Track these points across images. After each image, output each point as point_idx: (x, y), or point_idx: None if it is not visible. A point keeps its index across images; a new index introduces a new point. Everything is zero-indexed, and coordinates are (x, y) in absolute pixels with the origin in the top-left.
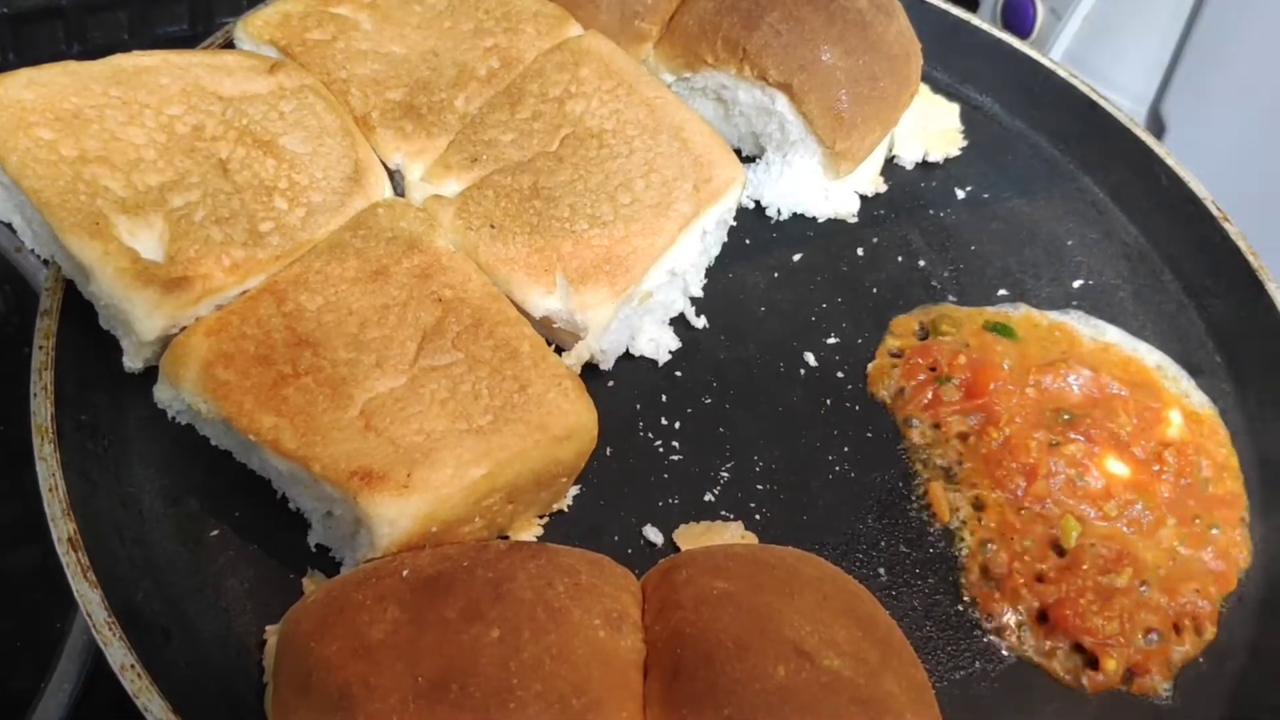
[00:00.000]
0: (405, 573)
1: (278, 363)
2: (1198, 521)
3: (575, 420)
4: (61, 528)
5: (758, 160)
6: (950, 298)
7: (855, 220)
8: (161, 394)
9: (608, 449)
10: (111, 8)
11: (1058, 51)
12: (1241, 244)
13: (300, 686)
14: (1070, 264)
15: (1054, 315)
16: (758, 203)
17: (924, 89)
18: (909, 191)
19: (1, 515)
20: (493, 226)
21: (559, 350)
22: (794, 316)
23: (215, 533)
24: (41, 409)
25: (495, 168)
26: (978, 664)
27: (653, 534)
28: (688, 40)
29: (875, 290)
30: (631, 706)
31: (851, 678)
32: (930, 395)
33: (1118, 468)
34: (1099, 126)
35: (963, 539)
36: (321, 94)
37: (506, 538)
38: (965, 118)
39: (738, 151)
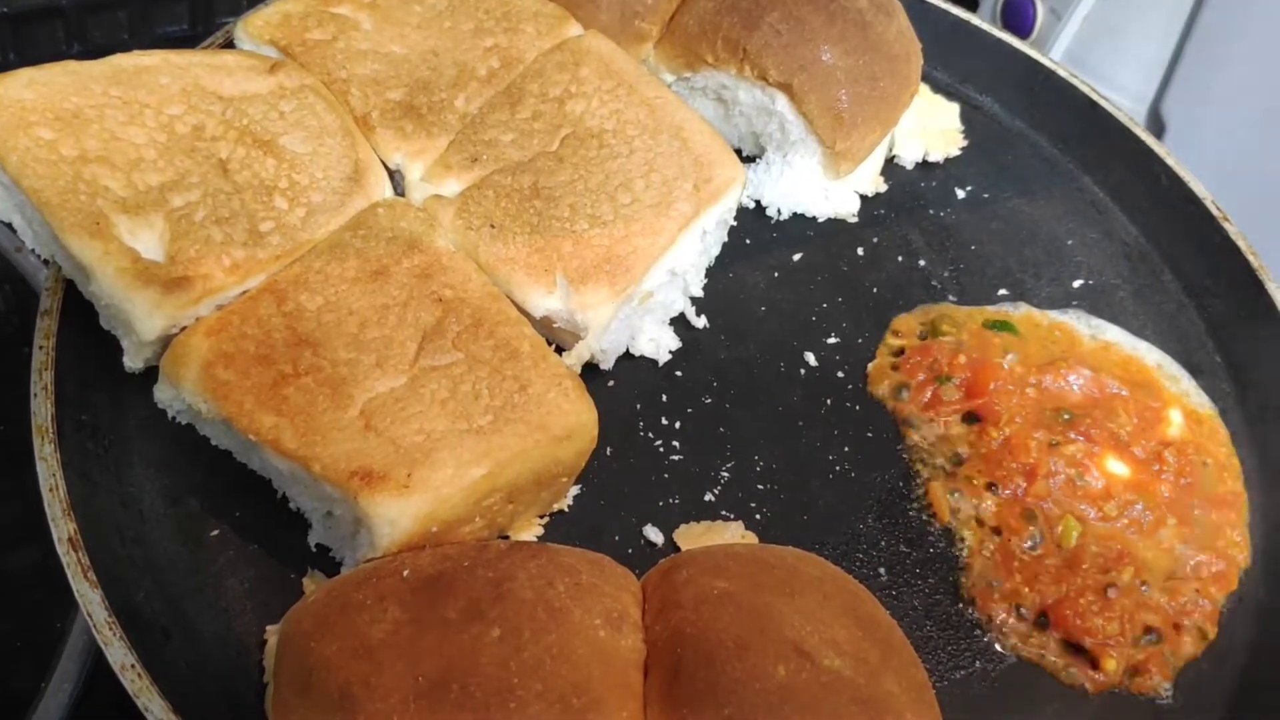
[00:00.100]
0: (406, 573)
1: (278, 363)
2: (1198, 522)
3: (575, 420)
4: (62, 528)
5: (758, 160)
6: (950, 297)
7: (855, 220)
8: (162, 394)
9: (608, 449)
10: (111, 8)
11: (1058, 51)
12: (1241, 244)
13: (301, 686)
14: (1070, 264)
15: (1054, 315)
16: (758, 202)
17: (924, 89)
18: (909, 191)
19: (1, 515)
20: (493, 226)
21: (559, 350)
22: (794, 316)
23: (215, 533)
24: (42, 409)
25: (495, 168)
26: (978, 664)
27: (653, 534)
28: (688, 40)
29: (875, 290)
30: (632, 706)
31: (852, 678)
32: (930, 395)
33: (1118, 467)
34: (1099, 126)
35: (963, 539)
36: (322, 94)
37: (507, 538)
38: (965, 118)
39: (738, 151)
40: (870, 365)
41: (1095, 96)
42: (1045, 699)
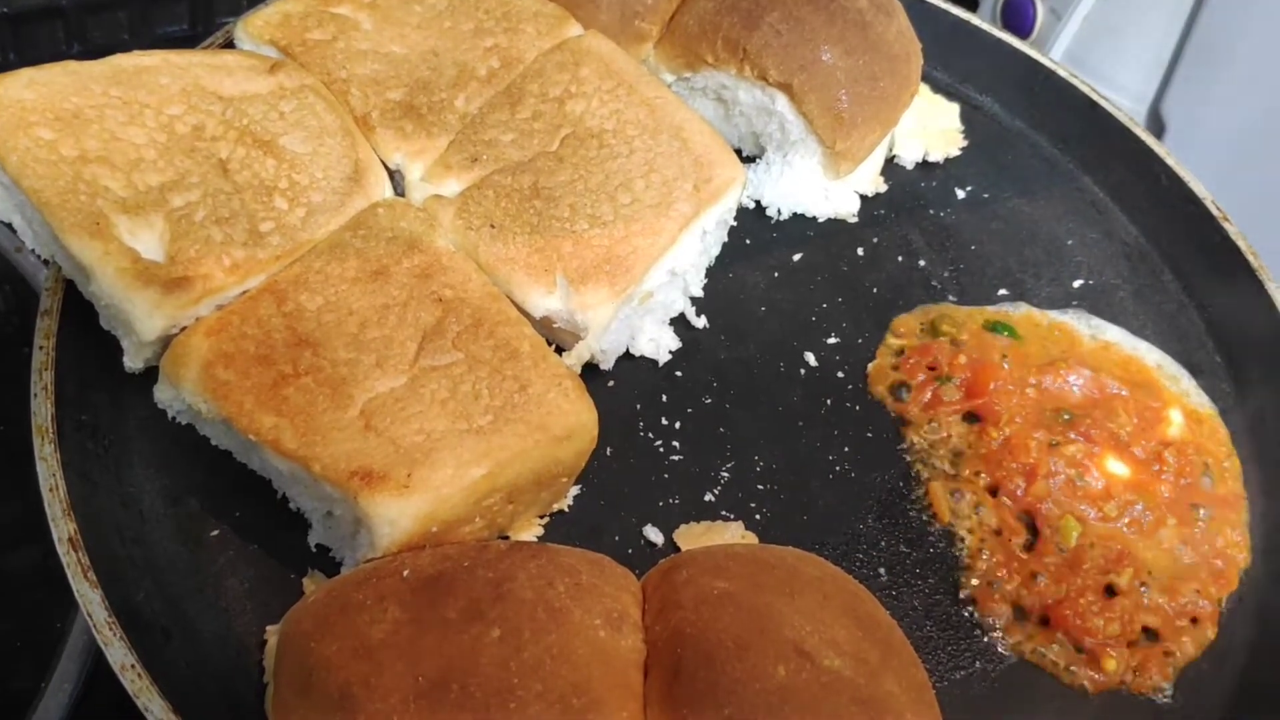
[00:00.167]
0: (406, 573)
1: (278, 363)
2: (1198, 522)
3: (575, 420)
4: (62, 528)
5: (758, 160)
6: (950, 297)
7: (855, 220)
8: (162, 394)
9: (608, 449)
10: (111, 8)
11: (1058, 51)
12: (1241, 244)
13: (301, 686)
14: (1070, 264)
15: (1054, 315)
16: (758, 203)
17: (924, 89)
18: (909, 191)
19: (1, 515)
20: (493, 226)
21: (559, 350)
22: (794, 316)
23: (215, 533)
24: (42, 409)
25: (495, 168)
26: (978, 664)
27: (653, 534)
28: (688, 40)
29: (875, 290)
30: (632, 706)
31: (852, 678)
32: (930, 395)
33: (1118, 468)
34: (1099, 126)
35: (963, 539)
36: (321, 94)
37: (507, 538)
38: (965, 118)
39: (738, 151)
40: (870, 365)
41: (1095, 96)
42: (1045, 699)
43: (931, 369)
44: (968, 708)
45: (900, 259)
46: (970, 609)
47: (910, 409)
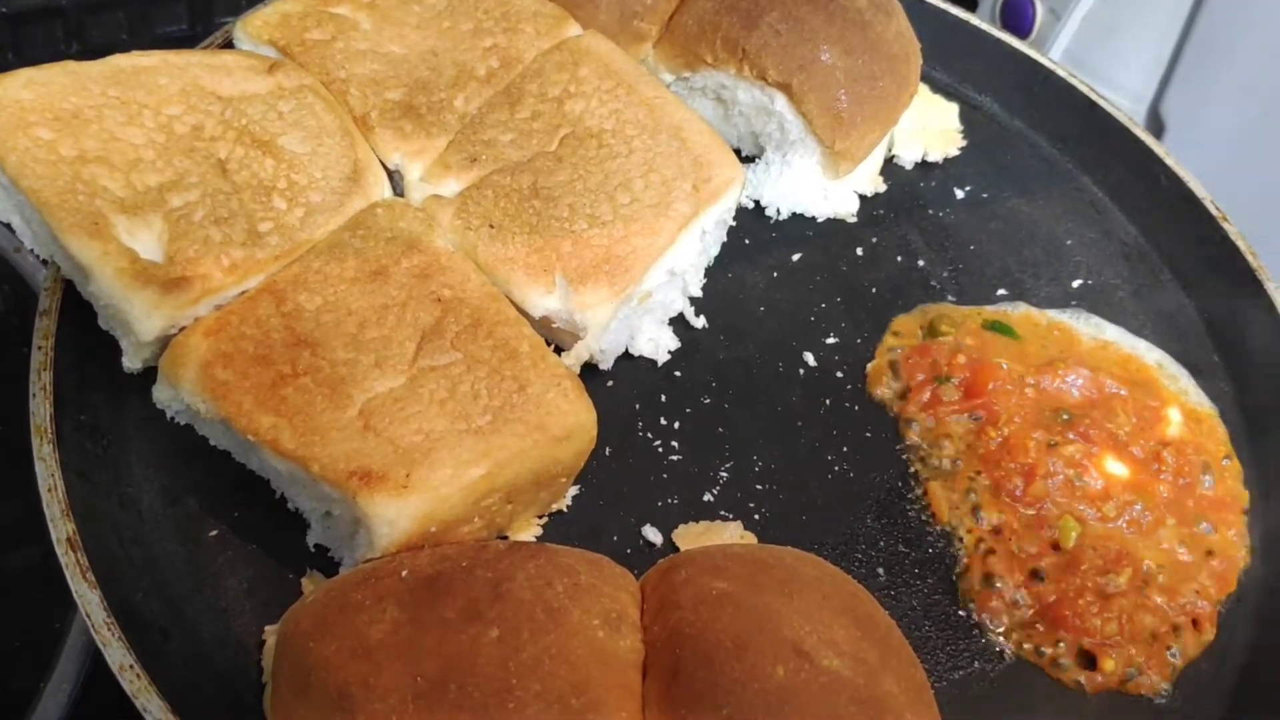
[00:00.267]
0: (404, 573)
1: (276, 363)
2: (1198, 522)
3: (574, 420)
4: (61, 528)
5: (757, 160)
6: (950, 297)
7: (855, 220)
8: (161, 394)
9: (607, 449)
10: (111, 8)
11: (1057, 51)
12: (1241, 244)
13: (299, 687)
14: (1069, 263)
15: (1053, 314)
16: (757, 202)
17: (923, 89)
18: (908, 191)
19: (1, 515)
20: (492, 226)
21: (558, 350)
22: (793, 316)
23: (215, 533)
24: (41, 409)
25: (494, 168)
26: (977, 664)
27: (652, 534)
28: (687, 40)
29: (875, 290)
30: (630, 706)
31: (851, 678)
32: (930, 395)
33: (1117, 468)
34: (1098, 126)
35: (962, 539)
36: (320, 94)
37: (506, 538)
38: (964, 118)
39: (737, 151)
40: (869, 365)
41: (1094, 96)
42: (1044, 699)
43: (931, 369)
44: (967, 708)
45: (899, 259)
46: (969, 609)
47: (909, 409)
